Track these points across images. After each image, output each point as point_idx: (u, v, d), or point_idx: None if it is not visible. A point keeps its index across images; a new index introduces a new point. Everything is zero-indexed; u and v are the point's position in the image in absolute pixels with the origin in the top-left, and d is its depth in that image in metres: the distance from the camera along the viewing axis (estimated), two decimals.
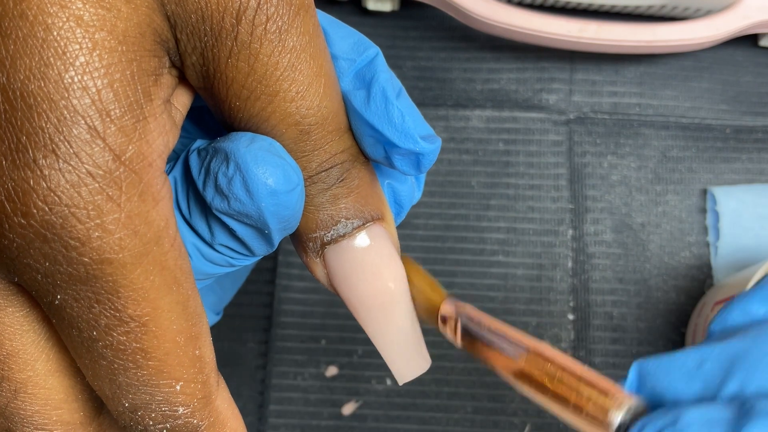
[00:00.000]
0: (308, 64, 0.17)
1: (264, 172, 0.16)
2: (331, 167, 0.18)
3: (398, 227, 0.38)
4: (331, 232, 0.19)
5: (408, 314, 0.20)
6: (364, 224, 0.19)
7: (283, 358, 0.37)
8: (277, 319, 0.37)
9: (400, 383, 0.20)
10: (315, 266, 0.19)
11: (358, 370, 0.37)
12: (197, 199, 0.18)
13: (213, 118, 0.22)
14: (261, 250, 0.18)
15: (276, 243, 0.18)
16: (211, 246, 0.18)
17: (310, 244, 0.19)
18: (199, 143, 0.18)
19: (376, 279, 0.19)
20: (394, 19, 0.41)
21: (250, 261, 0.19)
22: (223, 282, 0.27)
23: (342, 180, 0.18)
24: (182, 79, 0.17)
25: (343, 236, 0.19)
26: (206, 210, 0.18)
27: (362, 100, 0.18)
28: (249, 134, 0.17)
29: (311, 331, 0.37)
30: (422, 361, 0.20)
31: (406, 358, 0.20)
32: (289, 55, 0.16)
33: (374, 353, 0.37)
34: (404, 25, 0.41)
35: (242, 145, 0.16)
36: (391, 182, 0.21)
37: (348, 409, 0.36)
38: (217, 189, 0.17)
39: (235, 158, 0.16)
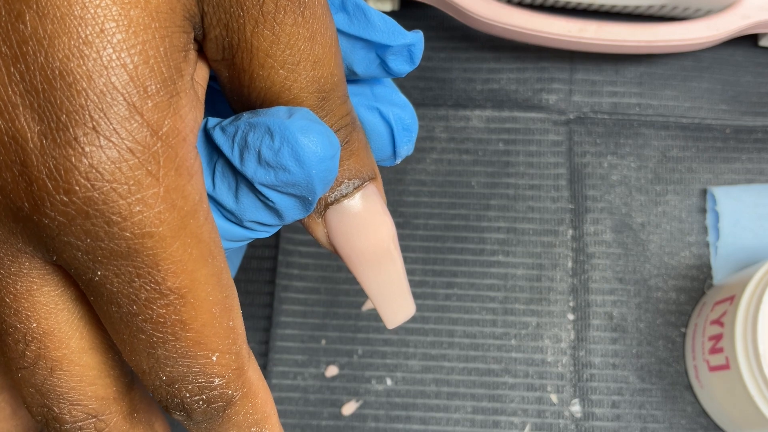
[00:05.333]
0: (325, 32, 0.17)
1: (312, 141, 0.17)
2: (338, 130, 0.19)
3: (398, 227, 0.38)
4: (335, 193, 0.19)
5: (400, 265, 0.21)
6: (362, 184, 0.20)
7: (283, 358, 0.37)
8: (277, 319, 0.37)
9: (390, 327, 0.21)
10: (316, 226, 0.20)
11: (358, 370, 0.37)
12: (224, 176, 0.18)
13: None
14: (294, 218, 0.19)
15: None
16: (234, 222, 0.19)
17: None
18: (213, 120, 0.18)
19: (373, 235, 0.20)
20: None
21: (270, 233, 0.20)
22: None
23: (346, 142, 0.19)
24: (201, 54, 0.18)
25: (345, 196, 0.20)
26: (235, 186, 0.18)
27: (344, 21, 0.19)
28: (283, 108, 0.17)
29: (311, 331, 0.37)
30: (410, 307, 0.22)
31: (397, 305, 0.21)
32: (309, 24, 0.17)
33: (374, 353, 0.37)
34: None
35: (283, 117, 0.17)
36: (396, 110, 0.21)
37: (348, 409, 0.36)
38: (261, 162, 0.17)
39: (280, 130, 0.17)
